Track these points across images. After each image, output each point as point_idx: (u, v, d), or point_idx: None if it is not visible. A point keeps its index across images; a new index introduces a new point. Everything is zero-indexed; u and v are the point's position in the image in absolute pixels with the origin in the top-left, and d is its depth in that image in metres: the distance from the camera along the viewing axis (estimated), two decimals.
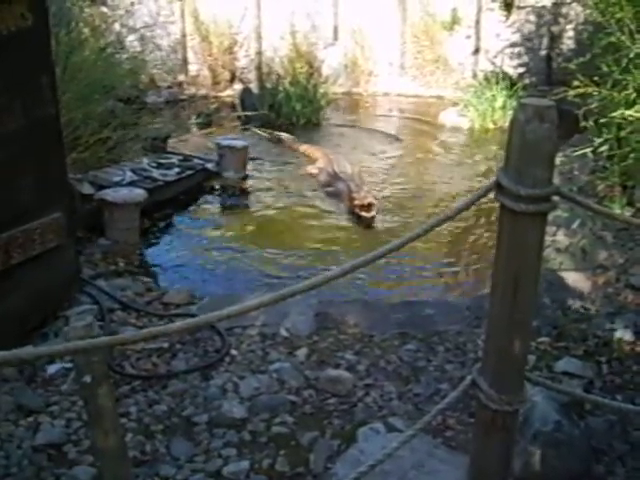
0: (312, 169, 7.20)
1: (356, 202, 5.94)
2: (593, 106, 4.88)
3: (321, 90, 9.41)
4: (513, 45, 10.35)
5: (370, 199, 5.96)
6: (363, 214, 5.87)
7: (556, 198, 1.78)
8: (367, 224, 5.87)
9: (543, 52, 10.31)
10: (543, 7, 10.10)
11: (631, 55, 4.69)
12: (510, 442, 2.06)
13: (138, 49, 8.62)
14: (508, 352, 1.89)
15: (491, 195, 1.87)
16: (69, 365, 3.28)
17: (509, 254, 1.81)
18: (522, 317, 1.86)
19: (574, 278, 4.28)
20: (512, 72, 10.08)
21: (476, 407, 2.04)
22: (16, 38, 3.37)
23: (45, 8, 3.64)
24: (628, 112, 4.53)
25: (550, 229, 4.42)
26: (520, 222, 1.77)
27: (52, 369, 3.35)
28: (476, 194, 1.89)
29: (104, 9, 8.80)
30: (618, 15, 4.84)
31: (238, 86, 10.28)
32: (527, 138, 1.69)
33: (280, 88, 9.27)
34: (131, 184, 5.79)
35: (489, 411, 1.96)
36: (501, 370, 1.94)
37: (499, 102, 8.94)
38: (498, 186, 1.78)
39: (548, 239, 4.35)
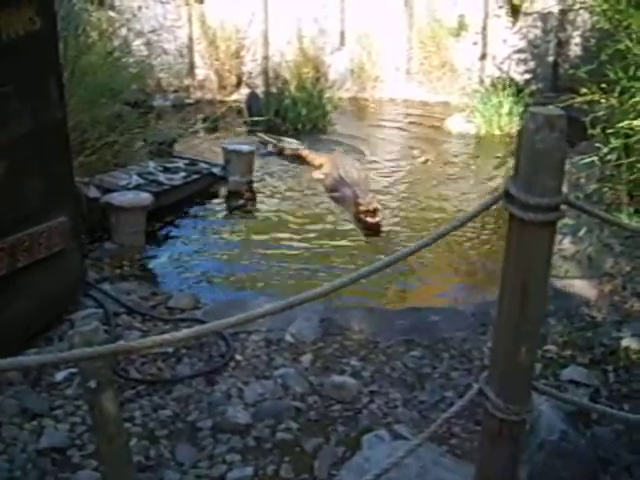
0: (318, 174, 7.20)
1: (361, 207, 5.93)
2: (600, 113, 4.86)
3: (327, 95, 9.40)
4: (520, 51, 10.34)
5: (375, 204, 5.96)
6: (368, 219, 5.87)
7: (564, 207, 1.77)
8: (373, 229, 5.86)
9: (550, 58, 10.31)
10: (550, 13, 10.09)
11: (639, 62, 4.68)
12: (516, 451, 2.04)
13: (145, 53, 8.63)
14: (515, 361, 1.88)
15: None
16: (75, 370, 3.27)
17: (517, 263, 1.80)
18: (529, 327, 1.85)
19: (580, 286, 4.26)
20: (519, 78, 10.07)
21: (483, 416, 2.03)
22: (24, 42, 3.38)
23: (53, 12, 3.66)
24: (636, 122, 4.52)
25: (556, 236, 4.41)
26: (529, 231, 1.76)
27: (59, 376, 3.34)
28: (485, 203, 1.88)
29: (112, 13, 8.82)
30: (626, 22, 4.83)
31: (245, 91, 10.28)
32: (536, 147, 1.68)
33: (286, 93, 9.27)
34: (137, 188, 5.80)
35: (496, 420, 1.95)
36: (508, 379, 1.92)
37: (505, 108, 8.93)
38: (507, 195, 1.77)
39: (554, 246, 4.34)
